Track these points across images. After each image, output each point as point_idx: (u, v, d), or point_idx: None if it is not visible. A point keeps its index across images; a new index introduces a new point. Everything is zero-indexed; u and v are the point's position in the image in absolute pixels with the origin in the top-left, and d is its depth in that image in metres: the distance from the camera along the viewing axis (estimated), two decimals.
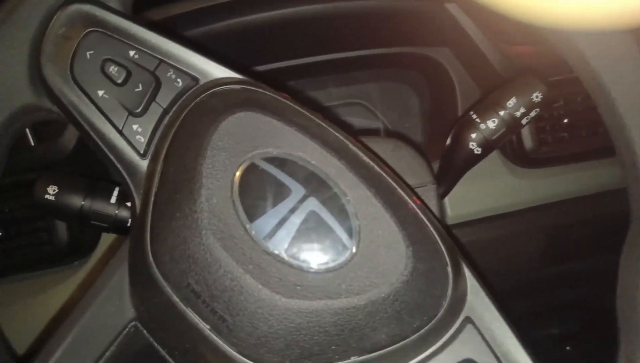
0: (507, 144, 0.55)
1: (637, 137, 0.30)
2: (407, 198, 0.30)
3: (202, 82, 0.33)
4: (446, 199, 0.54)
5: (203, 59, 0.34)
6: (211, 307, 0.27)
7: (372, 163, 0.31)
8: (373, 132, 0.63)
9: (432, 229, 0.30)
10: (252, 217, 0.27)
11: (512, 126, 0.43)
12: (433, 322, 0.28)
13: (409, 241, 0.28)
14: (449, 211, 0.54)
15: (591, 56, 0.31)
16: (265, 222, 0.27)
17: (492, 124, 0.43)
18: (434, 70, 0.60)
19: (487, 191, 0.55)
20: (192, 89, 0.33)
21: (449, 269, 0.29)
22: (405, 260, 0.27)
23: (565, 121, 0.56)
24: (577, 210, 0.56)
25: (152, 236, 0.29)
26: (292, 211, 0.27)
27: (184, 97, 0.33)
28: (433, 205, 0.41)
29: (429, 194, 0.42)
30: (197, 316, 0.27)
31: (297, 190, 0.28)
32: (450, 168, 0.47)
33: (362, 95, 0.65)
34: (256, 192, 0.28)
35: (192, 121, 0.31)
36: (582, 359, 0.76)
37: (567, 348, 0.78)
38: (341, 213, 0.28)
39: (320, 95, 0.64)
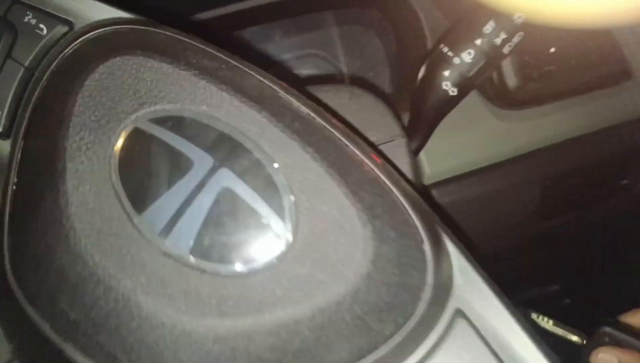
0: (487, 83, 0.47)
1: None
2: (363, 157, 0.22)
3: (77, 27, 0.25)
4: (421, 154, 0.47)
5: None
6: (95, 340, 0.19)
7: (311, 114, 0.22)
8: (325, 81, 0.54)
9: (399, 196, 0.22)
10: (140, 206, 0.19)
11: (493, 56, 0.35)
12: (410, 322, 0.20)
13: (366, 217, 0.20)
14: (426, 169, 0.46)
15: None
16: (160, 211, 0.19)
17: (467, 56, 0.35)
18: (395, 5, 0.51)
19: (468, 140, 0.47)
20: (65, 37, 0.24)
21: (426, 247, 0.21)
22: (363, 244, 0.19)
23: (552, 50, 0.47)
24: (574, 153, 0.49)
25: (11, 244, 0.21)
26: (197, 191, 0.19)
27: (53, 49, 0.24)
28: (405, 163, 0.33)
29: (399, 151, 0.33)
30: (80, 354, 0.19)
31: (201, 160, 0.19)
32: (421, 116, 0.39)
33: (317, 44, 0.56)
34: (144, 169, 0.19)
35: (57, 81, 0.22)
36: (582, 310, 0.71)
37: (567, 301, 0.73)
38: (267, 187, 0.19)
39: (270, 47, 0.55)
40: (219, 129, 0.20)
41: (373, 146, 0.27)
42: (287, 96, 0.22)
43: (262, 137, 0.20)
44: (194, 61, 0.21)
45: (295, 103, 0.22)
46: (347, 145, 0.22)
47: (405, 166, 0.33)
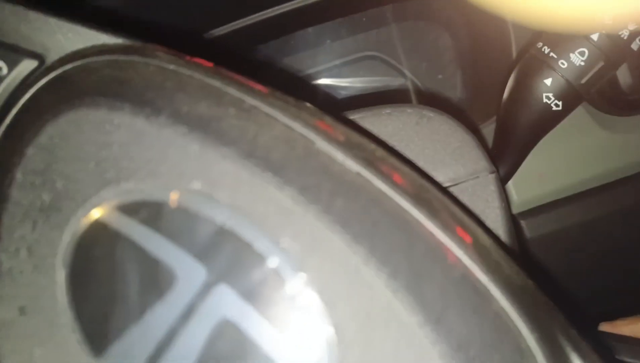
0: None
1: None
2: (448, 239, 0.14)
3: (49, 60, 0.19)
4: (510, 180, 0.37)
5: (54, 22, 0.19)
6: None
7: (364, 174, 0.15)
8: (385, 95, 0.46)
9: (505, 303, 0.14)
10: (98, 345, 0.12)
11: (614, 57, 0.26)
12: None
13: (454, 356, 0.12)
14: (514, 196, 0.37)
15: None
16: (126, 354, 0.12)
17: (578, 58, 0.26)
18: None
19: (568, 156, 0.37)
20: (33, 76, 0.18)
21: None
22: None
23: None
24: None
25: None
26: (182, 323, 0.12)
27: (14, 89, 0.18)
28: (495, 197, 0.25)
29: (485, 189, 0.25)
30: None
31: (189, 272, 0.12)
32: (512, 138, 0.30)
33: (374, 44, 0.48)
34: (105, 286, 0.13)
35: (7, 139, 0.16)
36: None
37: None
38: (292, 316, 0.12)
39: (319, 53, 0.48)
40: (218, 222, 0.12)
41: (459, 204, 0.19)
42: (329, 147, 0.15)
43: (285, 230, 0.13)
44: (186, 109, 0.14)
45: (340, 159, 0.15)
46: (418, 222, 0.14)
47: (495, 212, 0.25)
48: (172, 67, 0.16)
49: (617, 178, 0.38)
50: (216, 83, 0.16)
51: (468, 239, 0.15)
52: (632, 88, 0.37)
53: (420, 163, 0.24)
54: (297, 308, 0.12)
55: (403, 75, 0.47)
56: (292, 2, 0.41)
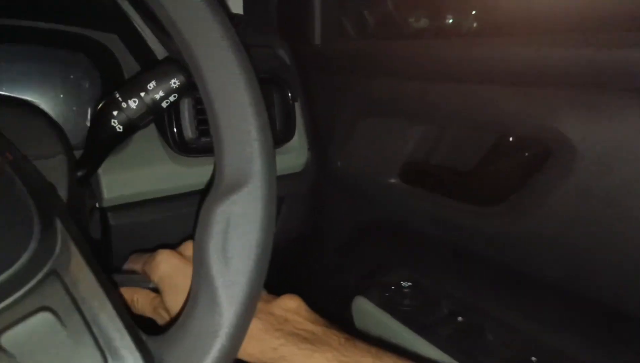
0: (168, 133, 0.59)
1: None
2: None
3: None
4: (103, 181, 0.55)
5: None
6: None
7: None
8: None
9: (20, 186, 0.29)
10: None
11: (153, 107, 0.46)
12: (7, 272, 0.27)
13: None
14: (105, 194, 0.54)
15: None
16: None
17: (133, 104, 0.46)
18: (102, 54, 0.60)
19: (148, 175, 0.57)
20: None
21: (35, 221, 0.29)
22: None
23: None
24: None
25: None
26: None
27: None
28: (63, 178, 0.41)
29: (59, 166, 0.41)
30: None
31: None
32: (94, 147, 0.47)
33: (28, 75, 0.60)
34: None
35: None
36: None
37: None
38: None
39: None
40: None
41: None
42: None
43: None
44: None
45: None
46: None
47: (63, 180, 0.41)
48: None
49: (179, 192, 0.60)
50: None
51: (11, 157, 0.31)
52: (192, 139, 0.60)
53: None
54: None
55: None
56: None
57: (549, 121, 0.41)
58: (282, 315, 0.40)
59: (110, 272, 0.49)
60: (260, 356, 0.37)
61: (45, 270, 0.29)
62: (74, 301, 0.30)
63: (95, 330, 0.29)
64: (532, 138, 0.44)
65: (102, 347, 0.28)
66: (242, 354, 0.38)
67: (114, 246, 0.56)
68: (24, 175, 0.30)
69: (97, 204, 0.56)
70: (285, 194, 0.70)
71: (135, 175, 0.56)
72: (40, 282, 0.29)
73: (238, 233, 0.32)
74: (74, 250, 0.31)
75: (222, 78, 0.34)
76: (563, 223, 0.42)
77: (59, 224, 0.31)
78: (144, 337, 0.30)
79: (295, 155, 0.70)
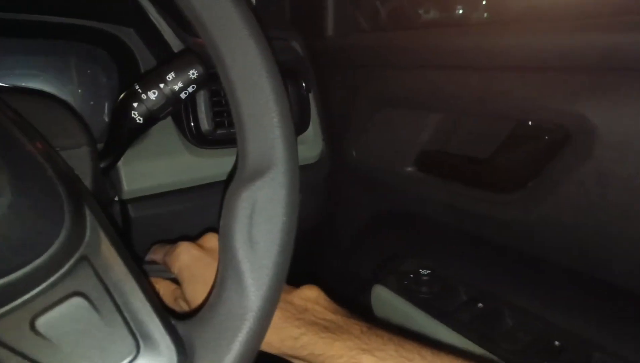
0: (185, 125, 0.59)
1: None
2: (26, 143, 0.30)
3: None
4: (123, 173, 0.56)
5: None
6: None
7: None
8: None
9: (52, 174, 0.30)
10: None
11: (172, 98, 0.47)
12: (41, 259, 0.28)
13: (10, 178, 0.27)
14: (125, 186, 0.55)
15: None
16: None
17: (153, 95, 0.46)
18: (119, 48, 0.61)
19: (167, 167, 0.58)
20: None
21: (66, 209, 0.30)
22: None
23: None
24: None
25: None
26: None
27: None
28: (87, 168, 0.41)
29: (84, 157, 0.42)
30: None
31: None
32: (115, 138, 0.48)
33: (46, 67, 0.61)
34: None
35: None
36: None
37: None
38: None
39: None
40: None
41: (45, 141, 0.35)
42: None
43: None
44: None
45: None
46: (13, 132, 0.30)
47: (86, 170, 0.41)
48: None
49: (197, 184, 0.60)
50: None
51: (41, 146, 0.31)
52: (209, 131, 0.61)
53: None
54: None
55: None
56: None
57: (569, 104, 0.41)
58: (302, 304, 0.40)
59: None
60: (281, 345, 0.38)
61: (76, 256, 0.30)
62: (105, 286, 0.30)
63: (126, 314, 0.29)
64: (551, 123, 0.44)
65: (134, 331, 0.29)
66: (263, 345, 0.38)
67: (135, 238, 0.57)
68: (54, 164, 0.31)
69: (117, 198, 0.57)
70: (300, 184, 0.71)
71: (154, 167, 0.57)
72: (72, 268, 0.30)
73: (263, 218, 0.32)
74: (103, 237, 0.32)
75: (245, 66, 0.34)
76: (581, 208, 0.42)
77: (87, 212, 0.32)
78: (173, 321, 0.31)
79: (310, 146, 0.70)
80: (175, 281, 0.45)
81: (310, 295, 0.41)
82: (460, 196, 0.53)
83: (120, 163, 0.55)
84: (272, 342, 0.38)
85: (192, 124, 0.59)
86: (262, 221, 0.32)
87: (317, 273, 0.53)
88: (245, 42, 0.34)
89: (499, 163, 0.50)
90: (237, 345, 0.29)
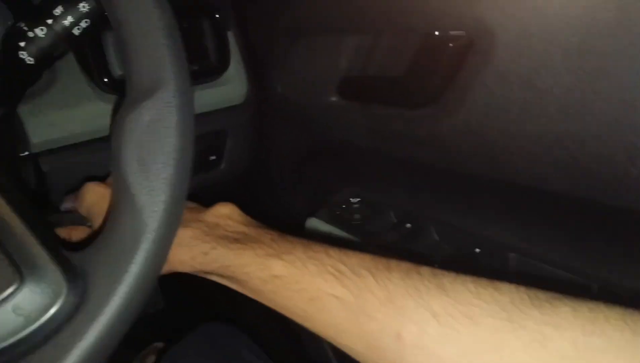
0: (94, 70, 0.56)
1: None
2: None
3: None
4: (28, 125, 0.52)
5: None
6: None
7: None
8: None
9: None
10: None
11: (64, 34, 0.44)
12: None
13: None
14: (32, 138, 0.52)
15: None
16: None
17: (41, 32, 0.43)
18: None
19: (76, 116, 0.55)
20: None
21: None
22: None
23: None
24: None
25: None
26: None
27: None
28: None
29: None
30: None
31: None
32: (5, 83, 0.45)
33: None
34: None
35: None
36: None
37: None
38: None
39: None
40: None
41: None
42: None
43: None
44: None
45: None
46: None
47: None
48: None
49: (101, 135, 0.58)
50: None
51: None
52: (120, 76, 0.57)
53: None
54: None
55: None
56: None
57: (468, 9, 0.40)
58: (213, 221, 0.40)
59: (48, 215, 0.48)
60: (192, 262, 0.37)
61: None
62: None
63: (8, 247, 0.28)
64: (455, 30, 0.44)
65: (16, 262, 0.27)
66: (173, 262, 0.38)
67: (50, 192, 0.55)
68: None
69: (27, 152, 0.54)
70: (227, 127, 0.69)
71: (62, 117, 0.54)
72: None
73: (153, 139, 0.31)
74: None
75: None
76: (486, 114, 0.42)
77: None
78: (66, 252, 0.30)
79: (233, 86, 0.68)
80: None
81: (223, 212, 0.41)
82: (380, 117, 0.53)
83: (24, 114, 0.52)
84: (185, 260, 0.38)
85: (101, 68, 0.56)
86: (151, 141, 0.31)
87: (253, 215, 0.53)
88: None
89: (412, 79, 0.50)
90: (133, 267, 0.29)
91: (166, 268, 0.37)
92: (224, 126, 0.69)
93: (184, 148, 0.31)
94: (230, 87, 0.68)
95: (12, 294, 0.26)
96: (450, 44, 0.44)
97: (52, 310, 0.27)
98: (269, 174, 0.74)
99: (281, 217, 0.72)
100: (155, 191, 0.30)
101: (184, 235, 0.37)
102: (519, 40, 0.39)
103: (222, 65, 0.66)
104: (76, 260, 0.29)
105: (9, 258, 0.27)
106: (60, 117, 0.54)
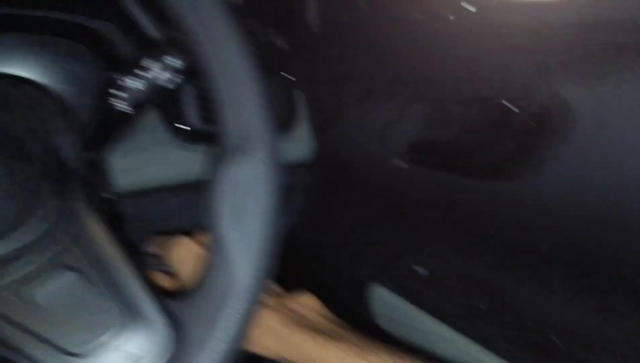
0: (173, 121, 0.59)
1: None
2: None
3: None
4: (113, 169, 0.56)
5: None
6: None
7: None
8: None
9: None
10: None
11: (153, 87, 0.47)
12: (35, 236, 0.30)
13: None
14: (115, 181, 0.55)
15: None
16: None
17: (132, 83, 0.47)
18: (99, 43, 0.61)
19: (157, 164, 0.58)
20: None
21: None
22: None
23: None
24: None
25: None
26: None
27: None
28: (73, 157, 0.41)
29: (70, 146, 0.41)
30: None
31: None
32: (96, 129, 0.48)
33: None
34: None
35: None
36: None
37: None
38: None
39: None
40: None
41: None
42: None
43: None
44: None
45: None
46: None
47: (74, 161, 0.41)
48: None
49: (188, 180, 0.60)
50: None
51: None
52: (198, 127, 0.60)
53: None
54: None
55: None
56: None
57: (546, 84, 0.41)
58: (300, 311, 0.40)
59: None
60: (278, 349, 0.38)
61: (69, 235, 0.30)
62: (96, 263, 0.31)
63: (115, 288, 0.30)
64: (532, 105, 0.44)
65: (121, 303, 0.29)
66: (259, 347, 0.39)
67: (129, 234, 0.57)
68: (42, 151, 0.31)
69: (108, 194, 0.57)
70: (292, 184, 0.71)
71: (144, 164, 0.57)
72: (67, 246, 0.30)
73: (249, 197, 0.32)
74: (91, 220, 0.32)
75: (223, 51, 0.35)
76: (563, 191, 0.42)
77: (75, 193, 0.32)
78: (165, 300, 0.31)
79: (300, 144, 0.70)
80: (171, 274, 0.45)
81: (308, 303, 0.42)
82: (449, 186, 0.53)
83: (109, 159, 0.55)
84: (270, 346, 0.38)
85: (180, 120, 0.59)
86: (248, 199, 0.32)
87: (313, 275, 0.53)
88: (224, 31, 0.35)
89: (485, 150, 0.50)
90: (227, 324, 0.30)
91: (250, 349, 0.38)
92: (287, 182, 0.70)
93: (277, 206, 0.33)
94: (296, 145, 0.70)
95: (125, 342, 0.28)
96: (525, 117, 0.44)
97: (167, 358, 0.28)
98: (331, 235, 0.74)
99: (342, 279, 0.72)
100: (251, 249, 0.31)
101: (273, 321, 0.38)
102: (601, 119, 0.39)
103: (290, 123, 0.69)
104: (175, 309, 0.31)
105: (116, 299, 0.29)
106: (142, 163, 0.57)
